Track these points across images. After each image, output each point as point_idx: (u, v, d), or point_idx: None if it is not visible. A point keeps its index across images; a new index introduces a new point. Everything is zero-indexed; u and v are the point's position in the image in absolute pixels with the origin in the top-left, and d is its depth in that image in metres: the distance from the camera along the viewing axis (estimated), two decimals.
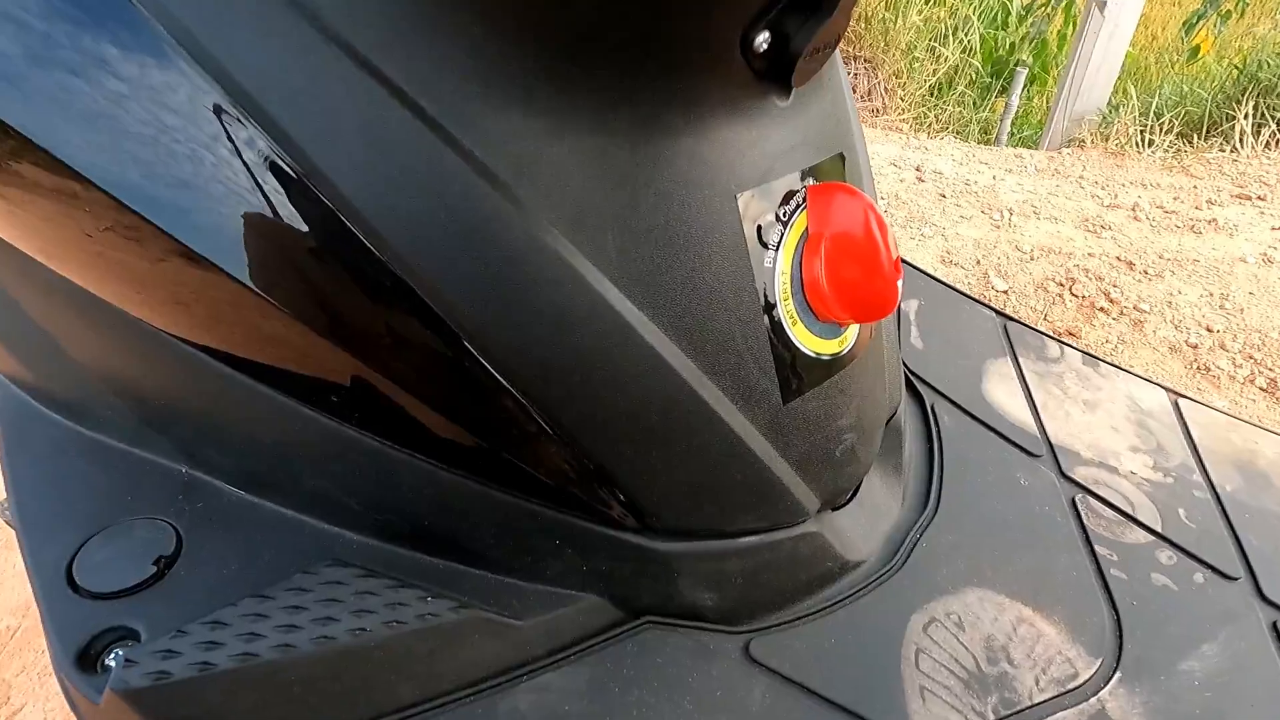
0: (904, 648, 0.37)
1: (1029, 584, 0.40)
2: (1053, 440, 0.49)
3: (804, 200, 0.35)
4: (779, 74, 0.32)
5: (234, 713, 0.30)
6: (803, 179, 0.35)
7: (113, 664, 0.31)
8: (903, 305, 0.62)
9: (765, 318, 0.34)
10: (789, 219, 0.34)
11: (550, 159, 0.29)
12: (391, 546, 0.37)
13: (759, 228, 0.33)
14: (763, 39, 0.30)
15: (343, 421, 0.34)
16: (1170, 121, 2.71)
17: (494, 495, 0.35)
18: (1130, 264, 1.67)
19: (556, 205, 0.29)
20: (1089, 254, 1.69)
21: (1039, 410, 0.52)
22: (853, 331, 0.38)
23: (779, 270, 0.34)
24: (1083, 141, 2.63)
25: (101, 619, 0.33)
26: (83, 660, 0.32)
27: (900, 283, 0.35)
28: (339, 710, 0.32)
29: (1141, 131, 2.72)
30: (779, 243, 0.34)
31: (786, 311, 0.35)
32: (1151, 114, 2.72)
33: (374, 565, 0.35)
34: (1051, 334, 0.61)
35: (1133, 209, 2.03)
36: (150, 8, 0.27)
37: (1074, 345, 0.61)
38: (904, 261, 0.64)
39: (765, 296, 0.34)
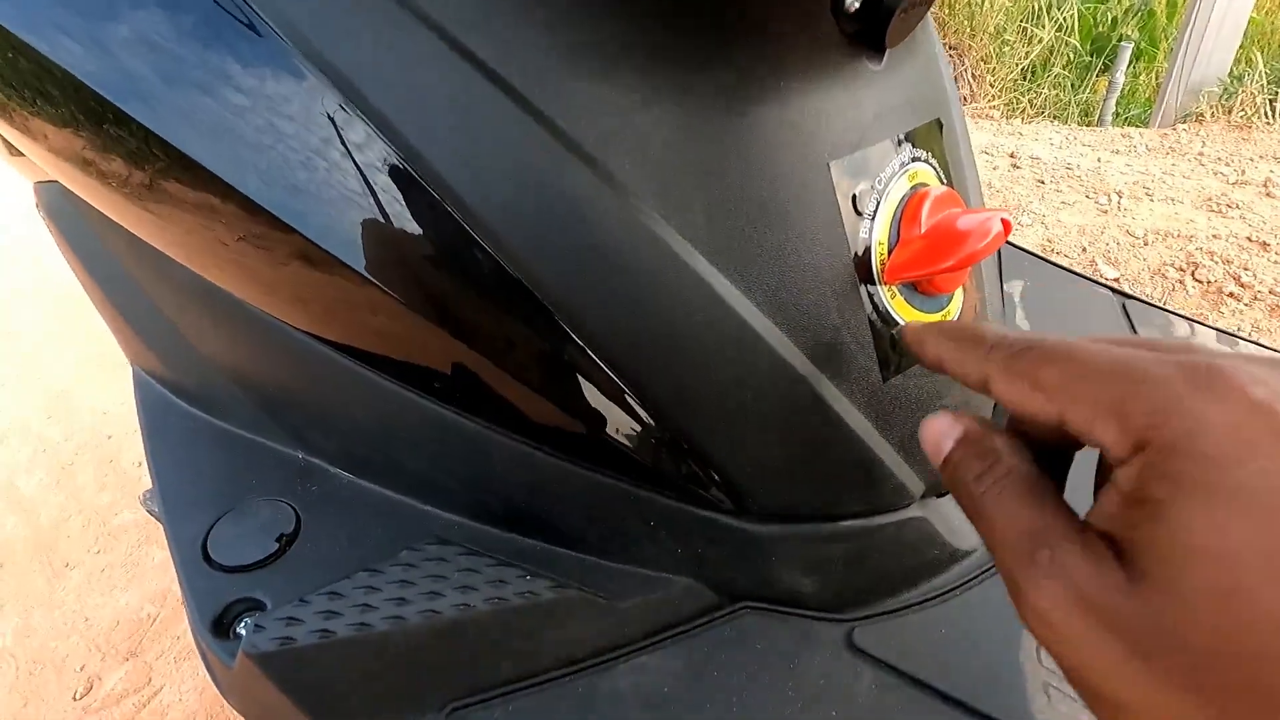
0: (1024, 640, 0.34)
1: None
2: None
3: (900, 168, 0.33)
4: (872, 33, 0.30)
5: (348, 679, 0.32)
6: (898, 145, 0.34)
7: (243, 631, 0.33)
8: (1006, 287, 0.58)
9: (862, 291, 0.33)
10: (885, 187, 0.33)
11: (635, 130, 0.29)
12: (489, 528, 0.38)
13: (854, 197, 0.32)
14: None
15: (440, 403, 0.35)
16: None
17: (588, 476, 0.35)
18: (1264, 244, 1.50)
19: (643, 177, 0.29)
20: (1213, 235, 1.54)
21: None
22: (956, 306, 0.36)
23: (875, 241, 0.33)
24: (1201, 115, 2.40)
25: (233, 591, 0.35)
26: (217, 628, 0.34)
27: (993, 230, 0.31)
28: (444, 683, 0.33)
29: (1270, 101, 2.46)
30: (874, 212, 0.33)
31: (885, 284, 0.33)
32: None
33: (473, 545, 0.36)
34: (1179, 311, 0.56)
35: (1264, 185, 1.83)
36: (262, 7, 0.29)
37: (1206, 323, 0.56)
38: (1008, 243, 0.60)
39: (862, 269, 0.33)
